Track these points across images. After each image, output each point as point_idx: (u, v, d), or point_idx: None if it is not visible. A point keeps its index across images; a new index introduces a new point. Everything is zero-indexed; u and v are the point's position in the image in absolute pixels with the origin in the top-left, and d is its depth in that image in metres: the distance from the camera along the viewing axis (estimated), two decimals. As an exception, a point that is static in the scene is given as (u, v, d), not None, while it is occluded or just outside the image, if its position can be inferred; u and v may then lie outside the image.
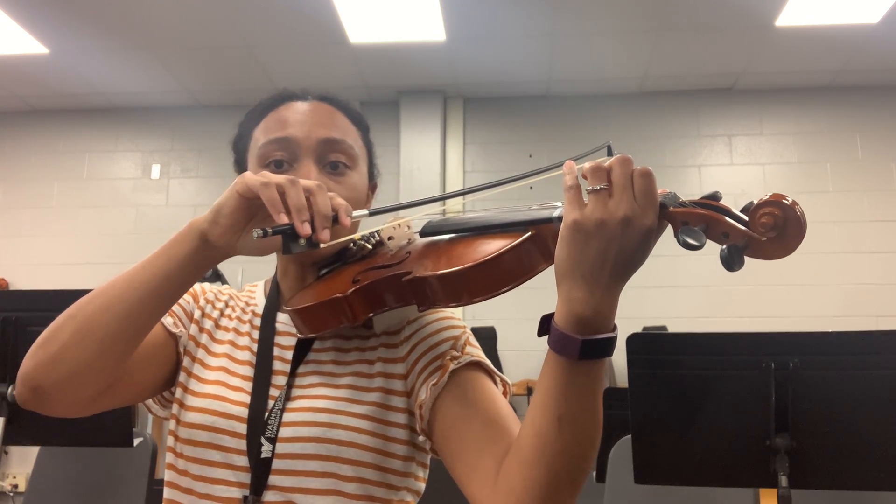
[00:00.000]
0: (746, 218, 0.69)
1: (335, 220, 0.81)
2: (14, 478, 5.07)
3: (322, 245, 0.79)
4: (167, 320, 0.99)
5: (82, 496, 2.31)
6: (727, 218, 0.69)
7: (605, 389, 2.29)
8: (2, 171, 5.88)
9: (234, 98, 5.49)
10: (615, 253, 0.70)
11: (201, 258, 0.83)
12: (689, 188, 5.34)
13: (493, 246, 0.79)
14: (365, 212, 0.87)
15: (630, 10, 4.38)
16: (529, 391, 4.96)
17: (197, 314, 1.04)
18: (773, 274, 4.96)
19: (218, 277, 3.64)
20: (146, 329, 0.86)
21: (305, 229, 0.77)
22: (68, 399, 0.85)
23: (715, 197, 0.71)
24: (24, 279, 5.58)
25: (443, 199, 0.88)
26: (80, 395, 0.86)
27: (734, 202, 0.65)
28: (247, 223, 0.82)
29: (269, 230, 0.76)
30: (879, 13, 4.37)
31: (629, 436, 1.66)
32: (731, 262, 0.67)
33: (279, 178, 0.79)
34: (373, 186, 1.10)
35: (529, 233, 0.79)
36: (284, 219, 0.77)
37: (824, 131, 5.39)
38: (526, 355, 5.02)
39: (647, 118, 5.50)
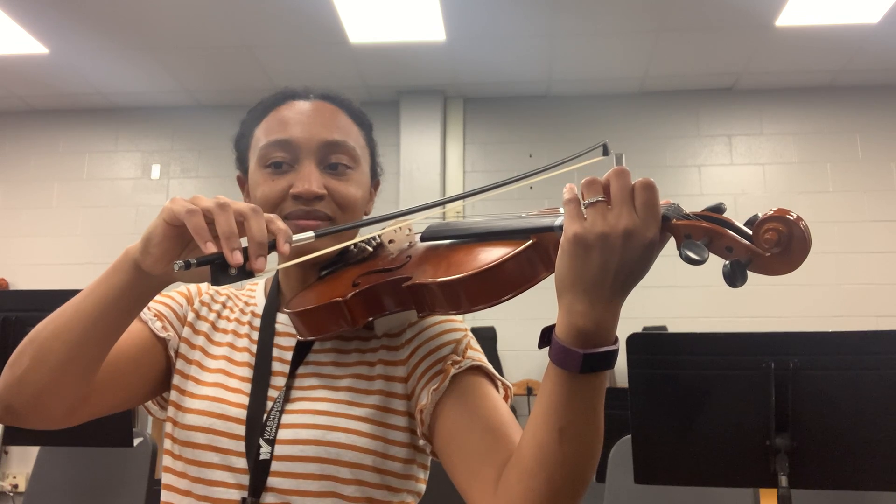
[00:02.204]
0: (750, 232, 0.67)
1: (273, 246, 0.75)
2: (14, 478, 5.07)
3: (257, 274, 0.73)
4: (155, 325, 0.98)
5: (82, 496, 2.31)
6: (731, 232, 0.68)
7: (605, 389, 2.28)
8: (2, 172, 5.88)
9: (234, 98, 5.49)
10: (616, 266, 0.68)
11: (138, 287, 0.81)
12: (689, 188, 5.34)
13: (494, 254, 0.78)
14: (311, 234, 0.81)
15: (630, 10, 4.38)
16: (530, 391, 4.96)
17: (190, 316, 1.04)
18: (773, 274, 4.96)
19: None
20: (100, 353, 0.85)
21: (235, 258, 0.71)
22: (40, 416, 0.86)
23: (719, 209, 0.70)
24: (24, 279, 5.58)
25: (441, 204, 0.87)
26: (50, 413, 0.86)
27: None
28: (181, 251, 0.78)
29: (193, 261, 0.71)
30: (879, 13, 4.37)
31: (629, 436, 1.66)
32: (734, 277, 0.66)
33: (207, 204, 0.74)
34: (375, 184, 1.09)
35: (531, 241, 0.78)
36: (212, 248, 0.72)
37: (824, 131, 5.39)
38: (526, 355, 5.02)
39: (647, 118, 5.49)
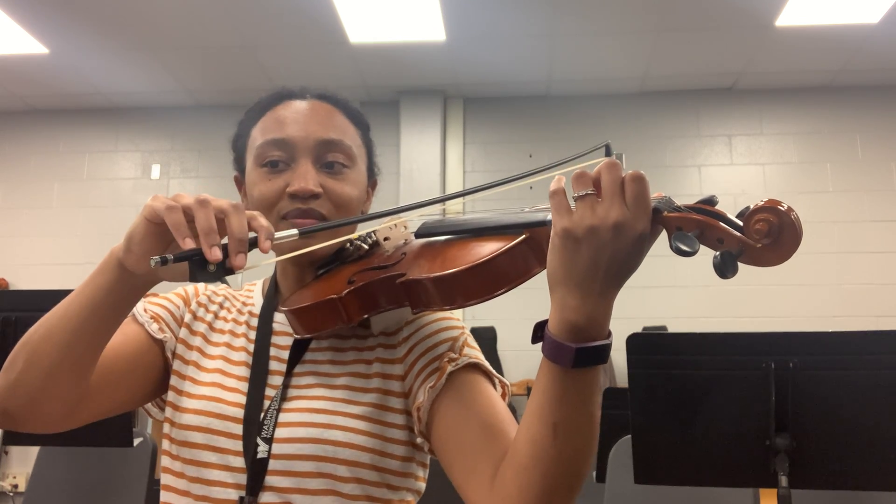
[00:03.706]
0: (741, 223, 0.67)
1: (254, 243, 0.75)
2: (14, 478, 5.07)
3: (238, 271, 0.72)
4: (152, 327, 0.98)
5: (82, 496, 2.31)
6: (722, 223, 0.68)
7: (605, 389, 2.29)
8: (2, 171, 5.88)
9: (234, 98, 5.49)
10: (607, 260, 0.68)
11: (124, 286, 0.81)
12: (689, 188, 5.34)
13: (488, 249, 0.78)
14: (294, 231, 0.80)
15: (630, 10, 4.38)
16: (529, 391, 4.96)
17: (187, 317, 1.03)
18: (774, 274, 4.96)
19: (218, 277, 3.64)
20: (91, 355, 0.85)
21: (214, 254, 0.71)
22: (37, 420, 0.86)
23: (710, 201, 0.70)
24: (24, 279, 5.58)
25: (438, 201, 0.87)
26: (47, 417, 0.86)
27: (734, 202, 0.65)
28: (163, 248, 0.77)
29: (170, 257, 0.71)
30: (879, 13, 4.37)
31: (629, 436, 1.66)
32: (725, 268, 0.66)
33: (187, 201, 0.74)
34: (373, 184, 1.09)
35: (524, 235, 0.78)
36: (191, 244, 0.72)
37: (824, 131, 5.39)
38: (526, 355, 5.02)
39: (647, 118, 5.50)
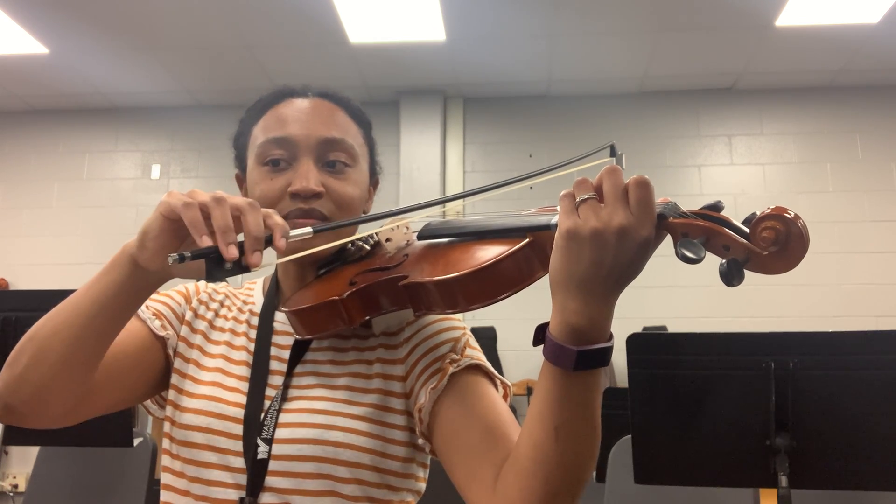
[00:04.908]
0: (748, 231, 0.67)
1: (269, 241, 0.75)
2: (14, 478, 5.07)
3: (253, 269, 0.73)
4: (154, 323, 0.98)
5: (82, 496, 2.31)
6: (728, 231, 0.67)
7: (605, 389, 2.29)
8: (2, 171, 5.88)
9: (234, 98, 5.49)
10: (610, 263, 0.68)
11: (136, 283, 0.81)
12: (689, 188, 5.34)
13: (491, 252, 0.78)
14: (308, 230, 0.80)
15: (630, 10, 4.38)
16: (530, 391, 4.96)
17: (188, 315, 1.03)
18: (773, 274, 4.96)
19: (218, 277, 3.64)
20: (99, 350, 0.85)
21: (230, 252, 0.71)
22: (40, 415, 0.86)
23: (716, 207, 0.69)
24: (24, 279, 5.58)
25: (439, 203, 0.86)
26: (50, 412, 0.86)
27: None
28: (177, 245, 0.77)
29: (188, 254, 0.71)
30: (879, 13, 4.37)
31: (629, 436, 1.66)
32: (731, 276, 0.65)
33: (204, 197, 0.75)
34: (374, 183, 1.09)
35: (527, 239, 0.78)
36: (207, 241, 0.72)
37: (824, 131, 5.39)
38: (526, 355, 5.02)
39: (647, 118, 5.49)
